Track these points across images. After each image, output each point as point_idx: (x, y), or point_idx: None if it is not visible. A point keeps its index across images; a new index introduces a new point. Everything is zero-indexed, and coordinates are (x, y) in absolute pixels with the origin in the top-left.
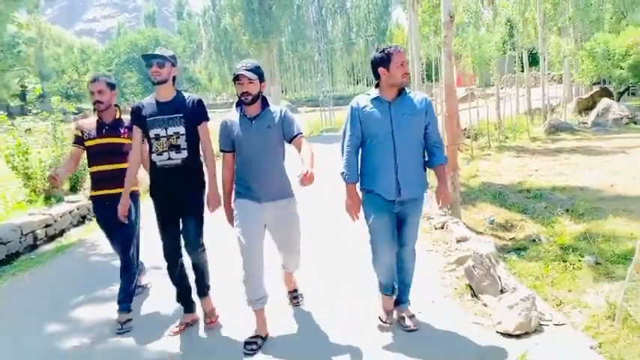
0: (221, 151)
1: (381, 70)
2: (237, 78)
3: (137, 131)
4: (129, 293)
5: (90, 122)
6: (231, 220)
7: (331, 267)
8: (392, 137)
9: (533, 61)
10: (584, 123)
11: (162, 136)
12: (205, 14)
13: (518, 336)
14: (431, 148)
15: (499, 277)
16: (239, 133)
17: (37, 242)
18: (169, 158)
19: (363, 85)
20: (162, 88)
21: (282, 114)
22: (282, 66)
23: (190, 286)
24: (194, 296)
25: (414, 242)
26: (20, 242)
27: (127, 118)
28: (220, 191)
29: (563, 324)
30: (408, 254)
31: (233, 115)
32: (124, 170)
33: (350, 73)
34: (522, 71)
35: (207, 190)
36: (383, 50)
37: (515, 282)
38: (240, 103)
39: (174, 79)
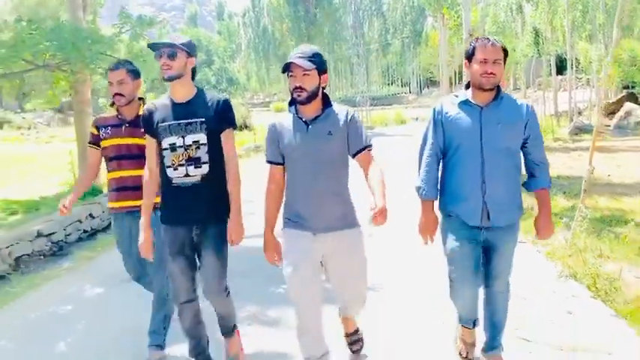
0: (267, 162)
1: (465, 63)
2: (288, 68)
3: (151, 142)
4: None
5: (108, 118)
6: (272, 255)
7: (405, 295)
8: (480, 150)
9: (564, 66)
10: (607, 125)
11: (179, 147)
12: (245, 15)
13: None
14: (531, 168)
15: None
16: (291, 140)
17: None
18: (187, 174)
19: (397, 86)
20: (177, 85)
21: (349, 118)
22: None
23: (207, 338)
24: (218, 337)
25: (507, 276)
26: None
27: None
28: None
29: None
30: (499, 292)
31: (285, 118)
32: None
33: (385, 74)
34: (550, 76)
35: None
36: (472, 41)
37: None
38: (293, 102)
39: (193, 72)
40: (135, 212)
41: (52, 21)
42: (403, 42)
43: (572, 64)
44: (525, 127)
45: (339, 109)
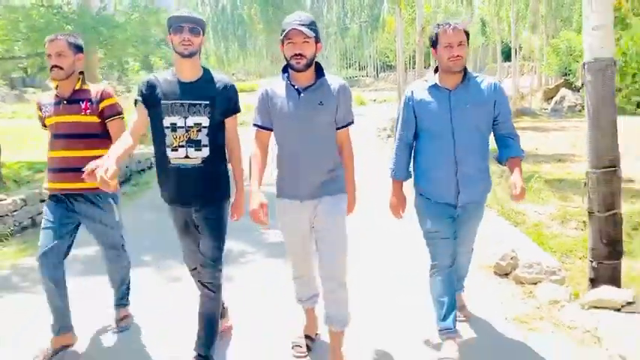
0: (254, 125)
1: (432, 51)
2: (287, 35)
3: (142, 111)
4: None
5: (49, 97)
6: (257, 218)
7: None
8: (451, 132)
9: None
10: (544, 109)
11: (180, 127)
12: None
13: None
14: (504, 140)
15: None
16: (282, 107)
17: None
18: (186, 156)
19: (354, 69)
20: (187, 63)
21: (340, 89)
22: None
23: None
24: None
25: (472, 244)
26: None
27: (92, 88)
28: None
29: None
30: (464, 252)
31: (277, 85)
32: (88, 159)
33: (343, 58)
34: (495, 63)
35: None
36: (434, 27)
37: None
38: (286, 69)
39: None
40: (70, 195)
41: (66, 7)
42: (361, 26)
43: (516, 52)
44: (495, 106)
45: (332, 80)
